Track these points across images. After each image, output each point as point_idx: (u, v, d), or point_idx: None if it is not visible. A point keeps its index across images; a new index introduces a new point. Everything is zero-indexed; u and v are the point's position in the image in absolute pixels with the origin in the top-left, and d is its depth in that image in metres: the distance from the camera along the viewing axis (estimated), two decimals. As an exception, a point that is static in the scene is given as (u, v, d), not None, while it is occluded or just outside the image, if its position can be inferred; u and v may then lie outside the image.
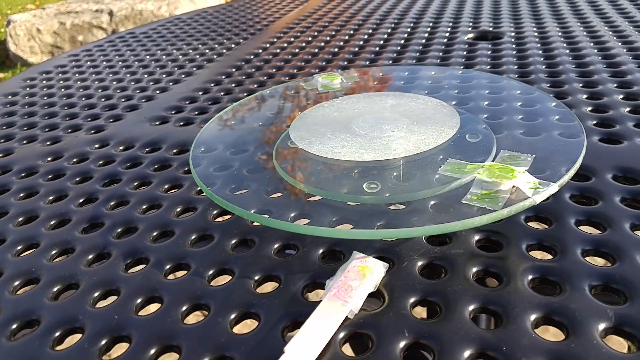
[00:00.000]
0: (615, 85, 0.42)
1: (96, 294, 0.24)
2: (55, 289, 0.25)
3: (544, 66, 0.48)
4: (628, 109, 0.37)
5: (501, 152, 0.28)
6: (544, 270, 0.22)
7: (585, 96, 0.40)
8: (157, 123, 0.44)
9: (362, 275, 0.21)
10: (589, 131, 0.34)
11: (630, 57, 0.48)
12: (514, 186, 0.23)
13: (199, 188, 0.32)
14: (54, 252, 0.28)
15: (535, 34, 0.59)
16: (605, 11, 0.66)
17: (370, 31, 0.67)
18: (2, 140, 0.44)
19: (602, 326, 0.19)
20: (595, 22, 0.61)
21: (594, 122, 0.36)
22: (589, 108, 0.38)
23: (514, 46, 0.55)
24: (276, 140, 0.33)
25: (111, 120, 0.46)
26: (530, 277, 0.22)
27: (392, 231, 0.22)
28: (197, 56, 0.64)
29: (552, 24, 0.62)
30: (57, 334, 0.22)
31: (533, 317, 0.20)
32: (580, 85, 0.43)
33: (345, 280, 0.21)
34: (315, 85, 0.42)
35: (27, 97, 0.55)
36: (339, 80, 0.42)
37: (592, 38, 0.55)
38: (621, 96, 0.40)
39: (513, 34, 0.60)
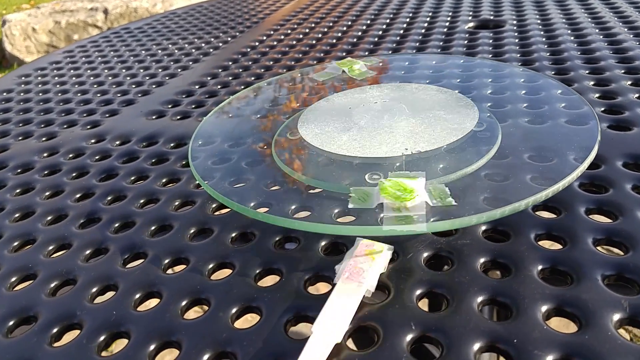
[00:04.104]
0: (622, 71, 0.41)
1: (94, 290, 0.24)
2: (52, 285, 0.24)
3: (548, 53, 0.47)
4: (637, 95, 0.36)
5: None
6: (554, 260, 0.22)
7: (592, 83, 0.39)
8: (154, 117, 0.44)
9: (371, 258, 0.21)
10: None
11: (638, 43, 0.47)
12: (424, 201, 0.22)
13: (197, 181, 0.32)
14: (50, 247, 0.27)
15: (538, 21, 0.58)
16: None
17: (368, 22, 0.66)
18: (-3, 137, 0.44)
19: (616, 317, 0.19)
20: (599, 7, 0.60)
21: (602, 108, 0.35)
22: (596, 95, 0.37)
23: (516, 34, 0.54)
24: (275, 132, 0.32)
25: (107, 115, 0.45)
26: (540, 267, 0.22)
27: (395, 228, 0.21)
28: (193, 50, 0.63)
29: (555, 10, 0.61)
30: (55, 330, 0.22)
31: (544, 308, 0.20)
32: (587, 72, 0.42)
33: (355, 264, 0.21)
34: (334, 73, 0.40)
35: (22, 94, 0.54)
36: (360, 66, 0.40)
37: (597, 24, 0.54)
38: (629, 82, 0.39)
39: (515, 22, 0.59)
